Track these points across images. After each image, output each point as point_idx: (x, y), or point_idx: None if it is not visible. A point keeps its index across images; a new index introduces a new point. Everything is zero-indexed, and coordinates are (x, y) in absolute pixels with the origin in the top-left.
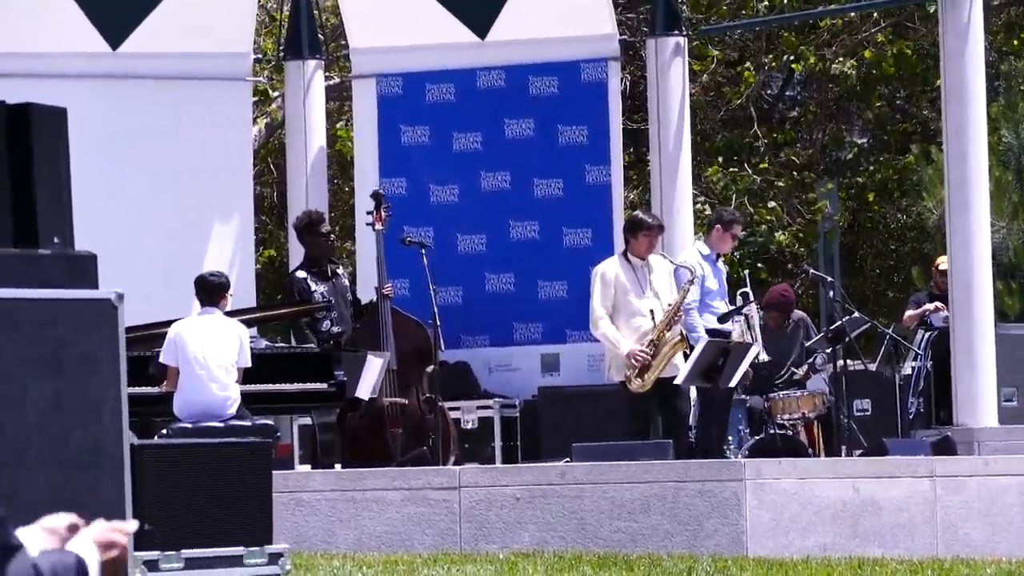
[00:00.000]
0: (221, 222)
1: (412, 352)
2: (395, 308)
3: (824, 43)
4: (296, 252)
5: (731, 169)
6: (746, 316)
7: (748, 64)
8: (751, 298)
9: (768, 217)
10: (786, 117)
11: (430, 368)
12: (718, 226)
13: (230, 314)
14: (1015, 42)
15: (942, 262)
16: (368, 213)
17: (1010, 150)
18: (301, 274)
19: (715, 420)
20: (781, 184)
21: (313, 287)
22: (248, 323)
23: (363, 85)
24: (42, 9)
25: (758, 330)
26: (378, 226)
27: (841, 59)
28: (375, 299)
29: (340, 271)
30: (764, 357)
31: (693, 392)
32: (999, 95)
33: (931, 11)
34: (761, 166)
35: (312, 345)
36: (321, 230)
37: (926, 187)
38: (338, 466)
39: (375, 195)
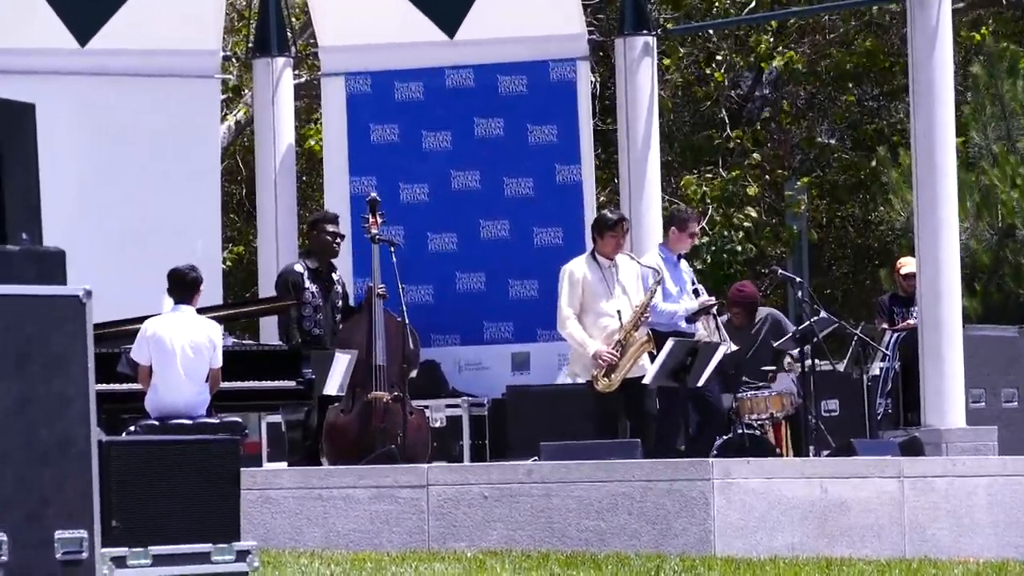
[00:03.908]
0: (188, 219)
1: (399, 352)
2: (386, 309)
3: (792, 42)
4: (266, 249)
5: (707, 175)
6: (713, 315)
7: (718, 62)
8: (702, 293)
9: (746, 223)
10: (756, 117)
11: (414, 372)
12: (673, 228)
13: (199, 311)
14: (976, 36)
15: (904, 265)
16: (363, 218)
17: (980, 152)
18: (299, 267)
19: (675, 418)
20: (751, 192)
21: (307, 284)
22: (216, 320)
23: (332, 83)
24: (10, 5)
25: (722, 328)
26: (373, 230)
27: (804, 58)
28: (361, 299)
29: (337, 277)
30: (732, 347)
31: None
32: (968, 96)
33: (897, 9)
34: (734, 172)
35: (280, 343)
36: (327, 229)
37: (893, 189)
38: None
39: (371, 201)
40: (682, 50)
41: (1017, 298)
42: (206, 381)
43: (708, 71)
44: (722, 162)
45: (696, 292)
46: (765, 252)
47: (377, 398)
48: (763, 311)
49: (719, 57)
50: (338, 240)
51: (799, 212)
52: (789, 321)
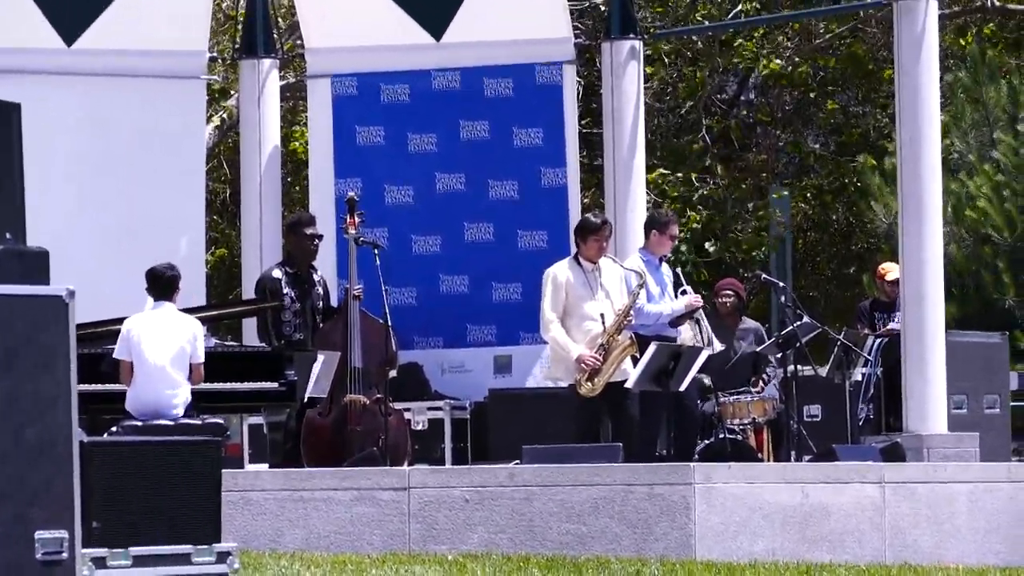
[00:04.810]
0: (173, 220)
1: (377, 353)
2: (363, 310)
3: (779, 47)
4: (250, 250)
5: (677, 174)
6: (697, 319)
7: (701, 64)
8: (689, 293)
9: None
10: (741, 122)
11: (393, 372)
12: (654, 230)
13: (183, 312)
14: (962, 41)
15: (888, 272)
16: (342, 218)
17: (961, 158)
18: (277, 273)
19: (657, 422)
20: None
21: (285, 289)
22: (199, 321)
23: (318, 85)
24: None
25: (709, 330)
26: (352, 231)
27: (794, 63)
28: (341, 300)
29: (318, 278)
30: (719, 347)
31: None
32: (948, 103)
33: (879, 15)
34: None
35: (263, 344)
36: (305, 232)
37: (874, 195)
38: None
39: (349, 201)
40: (666, 54)
41: (997, 304)
42: (188, 378)
43: (691, 70)
44: (705, 167)
45: (684, 292)
46: (741, 256)
47: (353, 401)
48: (750, 324)
49: (701, 63)
50: (316, 242)
51: (780, 220)
52: (772, 327)
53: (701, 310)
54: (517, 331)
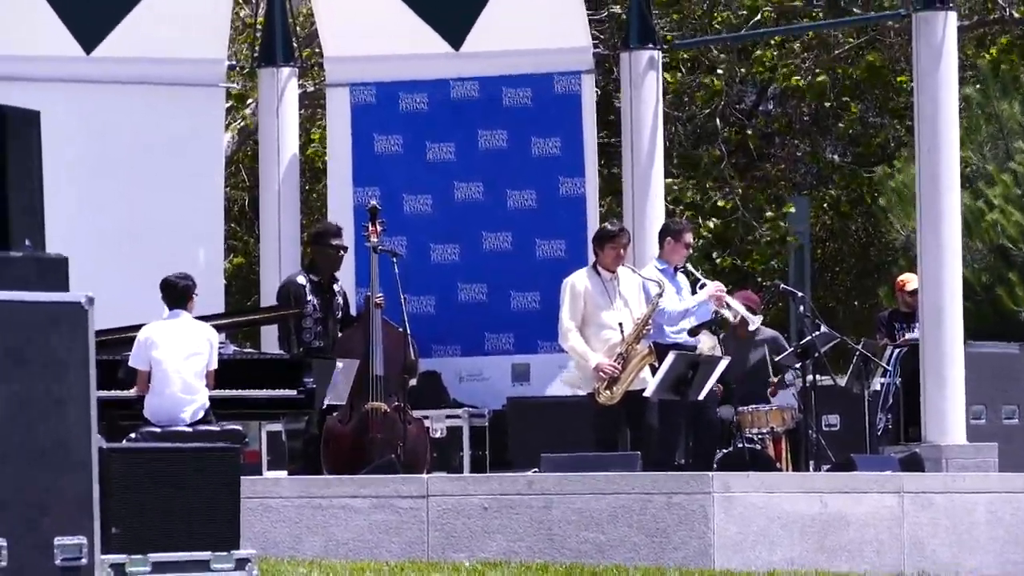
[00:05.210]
0: (191, 228)
1: (398, 360)
2: (384, 317)
3: (796, 55)
4: (268, 257)
5: (691, 180)
6: (728, 305)
7: (719, 72)
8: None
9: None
10: (759, 132)
11: (413, 381)
12: (668, 238)
13: (199, 319)
14: (985, 56)
15: (908, 282)
16: (363, 226)
17: (977, 171)
18: (301, 279)
19: (675, 431)
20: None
21: (308, 297)
22: (216, 328)
23: (337, 93)
24: (15, 11)
25: (742, 309)
26: (373, 239)
27: (813, 73)
28: (360, 308)
29: (338, 288)
30: (757, 320)
31: None
32: (963, 116)
33: (896, 26)
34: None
35: (282, 352)
36: (331, 243)
37: (891, 208)
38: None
39: (371, 210)
40: (683, 61)
41: (1012, 317)
42: (208, 386)
43: (708, 80)
44: (722, 177)
45: (703, 286)
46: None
47: (374, 408)
48: (767, 332)
49: (720, 71)
50: (341, 253)
51: (794, 232)
52: (791, 336)
53: (726, 294)
54: (535, 340)
